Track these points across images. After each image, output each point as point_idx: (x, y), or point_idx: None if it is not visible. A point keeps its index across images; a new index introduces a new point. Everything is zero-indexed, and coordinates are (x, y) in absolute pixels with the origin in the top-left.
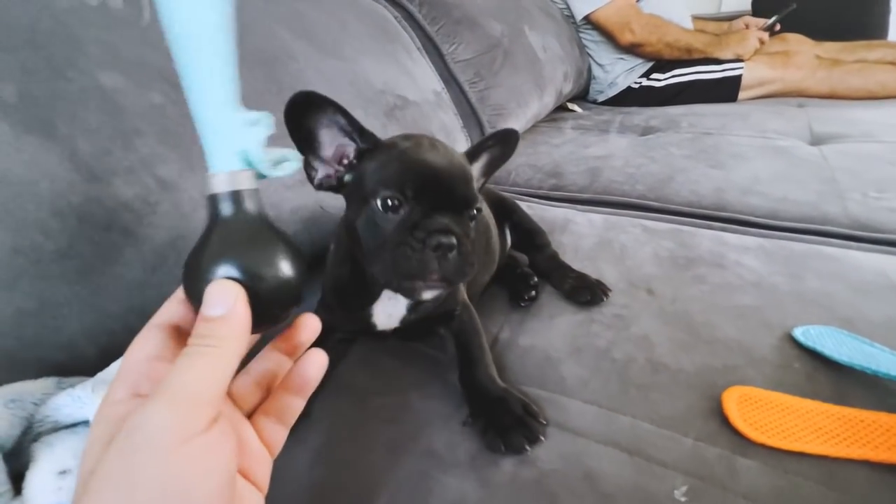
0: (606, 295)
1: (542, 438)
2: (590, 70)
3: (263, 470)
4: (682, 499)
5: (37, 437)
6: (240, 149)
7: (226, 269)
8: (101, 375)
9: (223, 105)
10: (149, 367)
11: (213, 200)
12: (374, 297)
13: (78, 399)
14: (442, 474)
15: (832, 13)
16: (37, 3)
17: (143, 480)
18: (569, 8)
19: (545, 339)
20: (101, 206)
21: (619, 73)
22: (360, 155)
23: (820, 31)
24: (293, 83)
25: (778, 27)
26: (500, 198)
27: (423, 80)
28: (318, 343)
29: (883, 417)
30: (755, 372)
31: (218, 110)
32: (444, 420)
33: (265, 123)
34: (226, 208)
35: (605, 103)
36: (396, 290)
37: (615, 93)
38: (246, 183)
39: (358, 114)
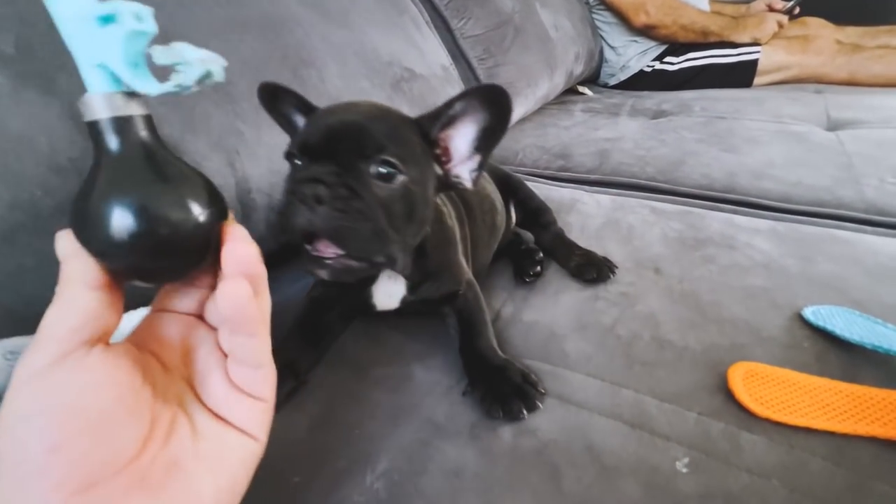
0: (613, 272)
1: (540, 406)
2: (601, 52)
3: (245, 414)
4: (684, 470)
5: None
6: (99, 61)
7: (104, 213)
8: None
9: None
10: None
11: (92, 130)
12: (372, 277)
13: None
14: (442, 442)
15: None
16: None
17: (16, 410)
18: None
19: (549, 315)
20: None
21: (632, 55)
22: None
23: (841, 15)
24: (298, 51)
25: (797, 10)
26: (504, 174)
27: (431, 54)
28: (315, 316)
29: (893, 394)
30: (763, 351)
31: (71, 6)
32: (445, 391)
33: (129, 18)
34: (109, 140)
35: (616, 87)
36: (303, 268)
37: (627, 76)
38: (129, 107)
39: (363, 85)
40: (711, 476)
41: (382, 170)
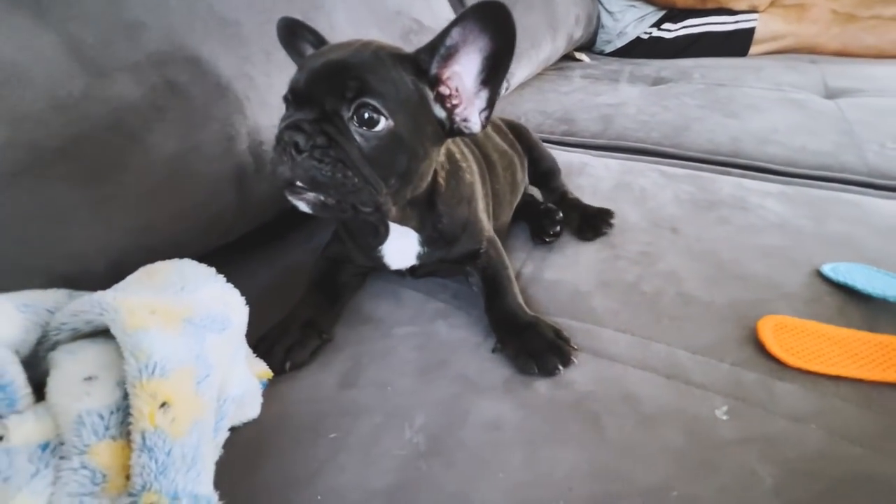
0: (610, 224)
1: (575, 361)
2: (598, 18)
3: None
4: (724, 417)
5: (53, 346)
6: None
7: None
8: (120, 285)
9: None
10: None
11: None
12: (383, 235)
13: (98, 305)
14: (476, 397)
15: None
16: None
17: None
18: None
19: (571, 273)
20: (106, 105)
21: (630, 21)
22: None
23: None
24: None
25: None
26: (522, 130)
27: (437, 6)
28: (331, 275)
29: None
30: (786, 305)
31: None
32: (473, 348)
33: None
34: None
35: (612, 54)
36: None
37: (623, 43)
38: None
39: (373, 33)
40: (750, 422)
41: (364, 114)
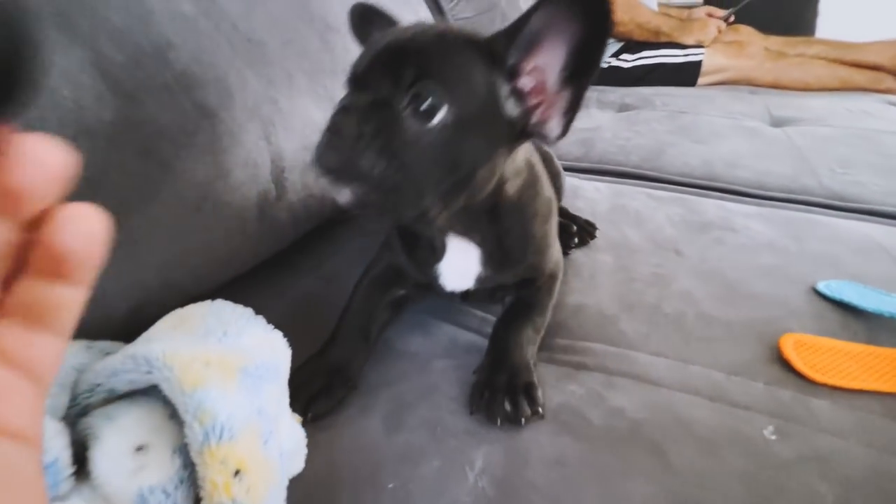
0: (592, 235)
1: (522, 423)
2: None
3: (17, 408)
4: (773, 437)
5: (84, 411)
6: None
7: None
8: (151, 334)
9: None
10: None
11: None
12: (440, 251)
13: (144, 362)
14: (531, 433)
15: (771, 9)
16: None
17: None
18: None
19: (592, 297)
20: (136, 130)
21: None
22: None
23: (764, 25)
24: (324, 14)
25: (732, 19)
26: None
27: None
28: (369, 304)
29: None
30: (796, 322)
31: None
32: None
33: None
34: None
35: None
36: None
37: None
38: None
39: None
40: (800, 441)
41: (421, 104)
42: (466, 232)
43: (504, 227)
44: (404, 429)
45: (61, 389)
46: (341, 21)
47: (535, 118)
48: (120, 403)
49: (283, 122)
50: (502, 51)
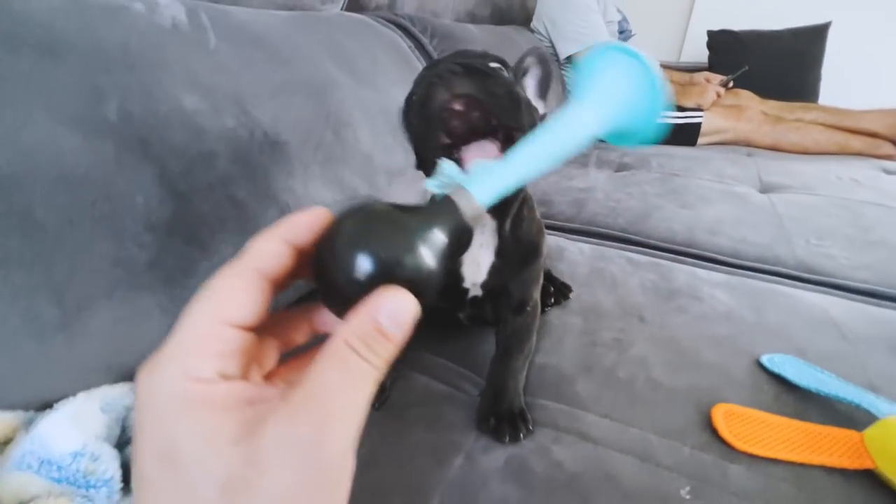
0: (566, 297)
1: (522, 439)
2: None
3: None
4: (687, 497)
5: (129, 441)
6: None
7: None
8: None
9: None
10: (234, 337)
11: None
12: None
13: None
14: (483, 478)
15: (775, 76)
16: (123, 23)
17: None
18: (553, 48)
19: (556, 357)
20: (184, 222)
21: None
22: None
23: (765, 90)
24: (338, 112)
25: (731, 84)
26: None
27: None
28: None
29: (835, 431)
30: (733, 392)
31: None
32: (476, 430)
33: None
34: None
35: None
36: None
37: None
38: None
39: (388, 140)
40: (709, 501)
41: (495, 65)
42: (497, 209)
43: (521, 215)
44: (377, 466)
45: (115, 422)
46: (351, 116)
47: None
48: None
49: (297, 203)
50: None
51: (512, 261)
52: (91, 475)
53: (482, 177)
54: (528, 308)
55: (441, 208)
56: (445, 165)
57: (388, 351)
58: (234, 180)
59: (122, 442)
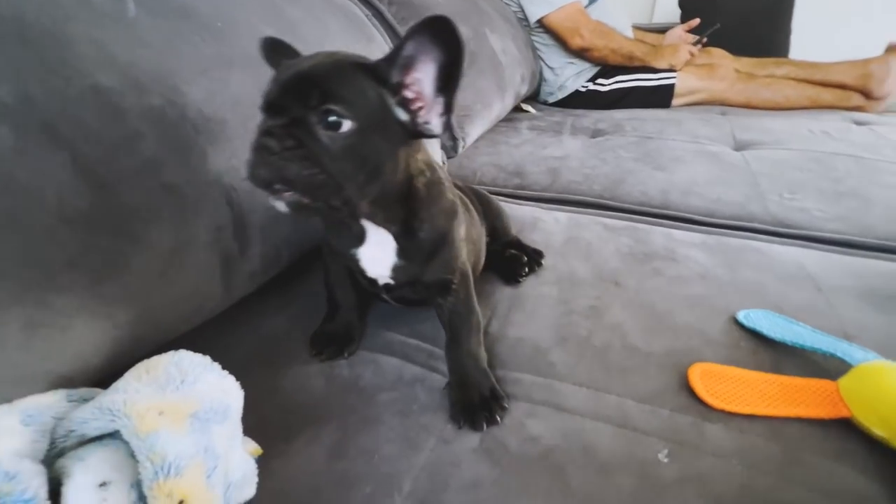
0: (539, 263)
1: (499, 420)
2: (541, 72)
3: None
4: (665, 460)
5: (61, 453)
6: None
7: None
8: (120, 384)
9: None
10: None
11: None
12: (359, 238)
13: (108, 412)
14: (456, 459)
15: (746, 32)
16: None
17: None
18: (522, 11)
19: (532, 330)
20: (109, 214)
21: (569, 76)
22: None
23: (737, 47)
24: None
25: (705, 41)
26: (480, 194)
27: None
28: (342, 291)
29: (811, 382)
30: (711, 351)
31: None
32: (447, 409)
33: None
34: None
35: (554, 104)
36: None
37: (564, 95)
38: None
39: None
40: (686, 463)
41: (328, 118)
42: (386, 222)
43: (419, 218)
44: (346, 457)
45: (42, 436)
46: None
47: (420, 120)
48: (90, 445)
49: (246, 185)
50: (385, 72)
51: (417, 258)
52: (7, 496)
53: None
54: (454, 285)
55: None
56: None
57: None
58: (166, 164)
59: (53, 455)
